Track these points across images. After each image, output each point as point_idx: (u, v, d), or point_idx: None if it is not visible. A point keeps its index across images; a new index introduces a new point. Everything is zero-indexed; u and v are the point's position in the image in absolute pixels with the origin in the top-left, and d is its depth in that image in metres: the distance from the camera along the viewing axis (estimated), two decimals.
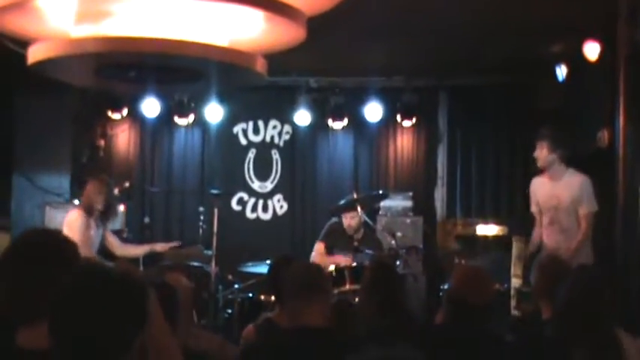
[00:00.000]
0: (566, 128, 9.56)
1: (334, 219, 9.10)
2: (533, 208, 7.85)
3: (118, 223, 9.93)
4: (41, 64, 6.02)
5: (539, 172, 7.79)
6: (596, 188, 7.64)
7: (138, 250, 8.57)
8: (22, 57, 6.16)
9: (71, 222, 7.82)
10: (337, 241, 8.81)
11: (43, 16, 5.78)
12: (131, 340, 2.56)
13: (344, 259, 8.27)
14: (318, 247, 8.93)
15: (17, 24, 6.02)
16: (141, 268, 8.64)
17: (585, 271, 4.76)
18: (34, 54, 5.99)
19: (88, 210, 7.91)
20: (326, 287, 4.49)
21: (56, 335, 2.52)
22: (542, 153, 7.58)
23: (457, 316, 4.67)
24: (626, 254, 7.50)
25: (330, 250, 8.82)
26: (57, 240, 3.28)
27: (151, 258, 8.78)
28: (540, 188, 7.76)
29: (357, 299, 7.53)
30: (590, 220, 7.44)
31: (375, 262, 6.39)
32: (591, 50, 8.16)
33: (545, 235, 7.63)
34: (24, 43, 6.28)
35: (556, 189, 7.58)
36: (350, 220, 8.74)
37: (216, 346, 4.83)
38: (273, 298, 6.47)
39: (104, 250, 8.19)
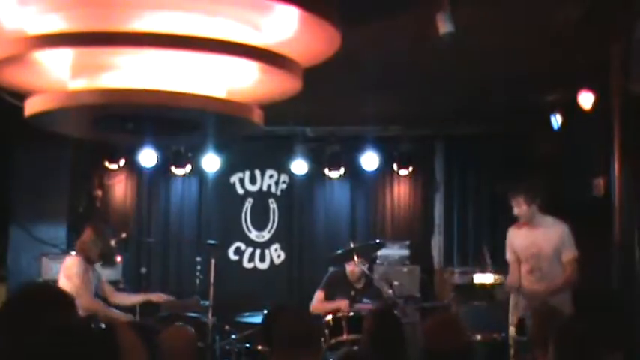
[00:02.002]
0: (561, 176, 9.62)
1: (333, 268, 9.10)
2: (509, 257, 7.91)
3: (114, 273, 9.92)
4: (39, 116, 6.04)
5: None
6: (592, 236, 7.65)
7: (132, 299, 8.53)
8: (20, 109, 6.18)
9: (69, 267, 7.78)
10: (337, 290, 8.79)
11: (40, 68, 5.82)
12: None
13: (343, 303, 8.24)
14: (318, 295, 8.92)
15: (15, 77, 6.05)
16: (137, 317, 8.62)
17: (573, 327, 4.76)
18: (32, 106, 6.02)
19: (85, 257, 7.88)
20: (315, 340, 4.47)
21: None
22: (522, 209, 7.66)
23: None
24: (624, 302, 7.49)
25: (330, 299, 8.80)
26: (54, 294, 3.28)
27: (148, 308, 8.75)
28: (518, 237, 7.84)
29: (355, 348, 7.53)
30: (574, 265, 7.56)
31: (379, 310, 6.38)
32: (585, 99, 8.22)
33: (526, 282, 7.67)
34: (21, 96, 6.31)
35: (536, 237, 7.67)
36: (354, 267, 8.74)
37: None
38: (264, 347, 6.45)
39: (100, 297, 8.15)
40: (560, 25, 6.82)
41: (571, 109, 8.61)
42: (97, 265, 8.00)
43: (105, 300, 8.12)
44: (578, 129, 8.96)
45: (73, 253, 7.94)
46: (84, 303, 7.41)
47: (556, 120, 9.11)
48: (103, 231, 8.10)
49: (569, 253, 7.53)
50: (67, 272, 7.72)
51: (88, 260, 7.82)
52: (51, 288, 3.59)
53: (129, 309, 8.65)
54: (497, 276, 9.88)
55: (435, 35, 6.15)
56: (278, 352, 4.45)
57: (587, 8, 6.63)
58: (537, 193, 7.67)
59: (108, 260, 8.11)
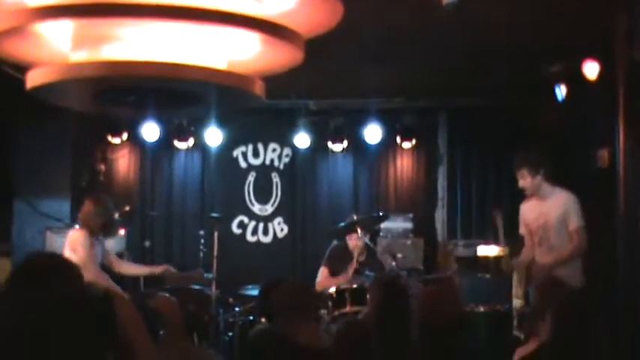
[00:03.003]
0: (566, 148, 9.59)
1: (336, 242, 9.10)
2: (522, 230, 7.88)
3: (118, 246, 9.94)
4: (40, 89, 6.01)
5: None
6: (597, 207, 7.63)
7: (138, 270, 8.54)
8: (22, 82, 6.16)
9: (74, 241, 7.77)
10: (340, 264, 8.80)
11: (41, 41, 5.79)
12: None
13: (347, 278, 8.25)
14: (323, 271, 8.93)
15: (16, 49, 6.02)
16: (142, 289, 8.66)
17: (573, 302, 4.75)
18: (33, 79, 5.99)
19: (88, 229, 7.87)
20: (313, 311, 4.47)
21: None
22: (527, 181, 7.61)
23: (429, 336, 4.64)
24: (627, 273, 7.48)
25: (334, 274, 8.81)
26: (60, 262, 3.28)
27: (152, 281, 8.77)
28: (528, 211, 7.80)
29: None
30: (582, 234, 7.47)
31: (387, 280, 6.38)
32: (590, 70, 8.18)
33: (536, 254, 7.65)
34: (23, 69, 6.28)
35: (543, 208, 7.62)
36: (356, 242, 8.73)
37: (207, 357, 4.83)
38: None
39: (105, 268, 8.14)
40: None
41: (576, 80, 8.57)
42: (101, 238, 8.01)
43: (110, 271, 8.13)
44: (582, 100, 8.92)
45: (77, 226, 7.93)
46: (90, 276, 7.41)
47: (560, 91, 9.06)
48: (104, 202, 8.08)
49: (575, 223, 7.47)
50: (72, 245, 7.71)
51: (92, 232, 7.81)
52: (56, 257, 3.59)
53: (133, 282, 8.68)
54: (501, 248, 9.88)
55: (439, 5, 6.11)
56: (277, 324, 4.46)
57: None
58: (541, 163, 7.62)
59: (110, 231, 8.09)
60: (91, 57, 5.86)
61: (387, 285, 5.76)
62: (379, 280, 6.38)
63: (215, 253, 8.51)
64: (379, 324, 5.28)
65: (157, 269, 8.56)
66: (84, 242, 7.69)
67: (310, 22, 6.10)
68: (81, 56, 5.89)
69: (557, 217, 7.51)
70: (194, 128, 10.97)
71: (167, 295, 5.37)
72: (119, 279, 8.12)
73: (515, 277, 7.91)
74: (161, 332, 4.11)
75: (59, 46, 5.87)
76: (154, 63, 5.75)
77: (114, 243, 9.82)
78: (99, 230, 7.91)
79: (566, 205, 7.51)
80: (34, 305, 2.56)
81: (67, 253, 7.69)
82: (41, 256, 3.45)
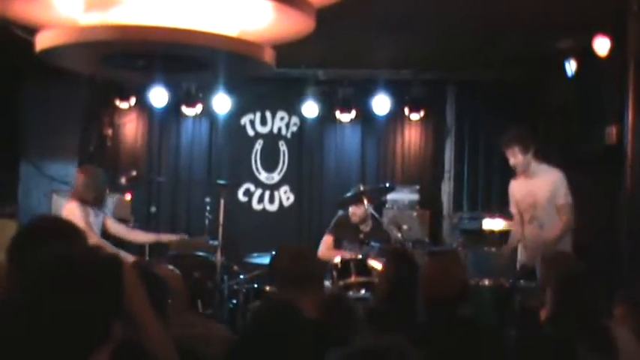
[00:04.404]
0: (574, 124, 9.56)
1: (341, 212, 9.10)
2: (513, 209, 7.90)
3: (124, 212, 9.97)
4: (49, 52, 6.00)
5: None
6: (604, 184, 7.62)
7: (145, 238, 8.58)
8: (31, 45, 6.15)
9: (70, 212, 7.80)
10: (345, 234, 8.81)
11: (51, 3, 5.77)
12: (106, 329, 2.53)
13: (350, 255, 8.23)
14: (327, 240, 8.93)
15: (26, 11, 6.00)
16: (147, 257, 8.67)
17: (572, 269, 4.76)
18: (42, 41, 5.97)
19: (81, 200, 7.90)
20: (317, 280, 4.47)
21: (30, 323, 2.50)
22: (518, 159, 7.62)
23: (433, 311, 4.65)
24: (633, 249, 7.49)
25: (338, 243, 8.81)
26: (65, 226, 3.29)
27: (157, 248, 8.80)
28: (517, 189, 7.83)
29: (363, 291, 7.57)
30: (569, 210, 7.50)
31: (396, 251, 6.39)
32: (601, 46, 8.13)
33: (527, 232, 7.68)
34: (32, 31, 6.27)
35: (531, 186, 7.65)
36: (355, 210, 8.74)
37: (221, 334, 4.84)
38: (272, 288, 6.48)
39: (109, 237, 8.17)
40: None
41: (586, 56, 8.53)
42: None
43: (116, 238, 8.16)
44: (592, 76, 8.88)
45: (70, 198, 7.96)
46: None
47: (570, 67, 9.02)
48: (95, 174, 8.10)
49: (562, 200, 7.50)
50: (69, 216, 7.76)
51: (84, 203, 7.85)
52: (61, 220, 3.60)
53: (138, 248, 8.70)
54: (506, 222, 9.90)
55: None
56: (280, 292, 4.47)
57: None
58: (531, 141, 7.62)
59: (100, 203, 8.13)
60: (101, 20, 5.84)
61: (400, 258, 5.78)
62: (392, 254, 6.38)
63: (221, 220, 8.51)
64: (391, 297, 5.30)
65: (172, 237, 8.59)
66: (79, 213, 7.73)
67: None
68: (91, 19, 5.88)
69: (546, 195, 7.54)
70: (202, 95, 10.95)
71: (170, 266, 5.39)
72: (122, 245, 8.14)
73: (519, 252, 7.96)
74: (169, 301, 4.12)
75: (69, 9, 5.85)
76: (164, 28, 5.74)
77: (120, 207, 9.87)
78: (91, 201, 7.93)
79: (555, 183, 7.54)
80: (43, 265, 2.56)
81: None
82: (45, 219, 3.45)
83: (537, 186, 7.60)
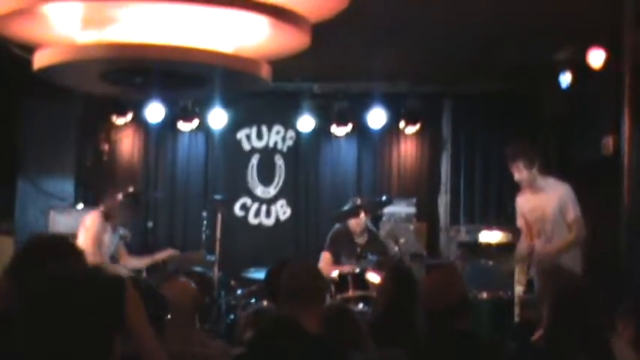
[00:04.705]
0: (570, 135, 9.58)
1: (337, 225, 9.09)
2: (520, 222, 7.88)
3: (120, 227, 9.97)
4: (47, 70, 6.03)
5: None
6: (601, 195, 7.63)
7: (141, 262, 8.62)
8: (28, 62, 6.16)
9: (88, 225, 7.92)
10: (342, 248, 8.80)
11: (49, 22, 5.79)
12: (109, 345, 2.53)
13: (348, 269, 8.22)
14: (325, 257, 8.88)
15: (24, 30, 6.02)
16: (144, 274, 8.68)
17: (571, 282, 4.76)
18: (40, 59, 6.00)
19: (106, 215, 8.00)
20: (318, 294, 4.46)
21: (27, 345, 2.50)
22: (522, 174, 7.57)
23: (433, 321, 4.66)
24: (631, 261, 7.49)
25: (336, 258, 8.79)
26: (64, 245, 3.30)
27: (154, 266, 8.80)
28: (524, 203, 7.79)
29: (360, 305, 7.56)
30: (580, 224, 7.49)
31: (397, 266, 6.39)
32: (596, 57, 8.17)
33: (537, 246, 7.67)
34: (30, 49, 6.29)
35: (539, 201, 7.62)
36: (356, 224, 8.74)
37: (220, 352, 4.85)
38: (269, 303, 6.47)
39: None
40: None
41: (581, 67, 8.56)
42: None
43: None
44: (587, 87, 8.91)
45: (98, 209, 8.08)
46: (92, 258, 7.51)
47: (565, 78, 9.04)
48: (139, 199, 8.27)
49: (572, 214, 7.48)
50: (85, 228, 7.85)
51: (111, 220, 7.96)
52: (59, 239, 3.60)
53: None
54: (503, 234, 9.89)
55: None
56: (281, 307, 4.46)
57: None
58: (536, 155, 7.61)
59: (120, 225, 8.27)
60: (98, 38, 5.86)
61: (398, 273, 5.78)
62: (391, 269, 6.39)
63: (218, 235, 8.52)
64: (390, 311, 5.31)
65: (161, 256, 8.62)
66: (96, 228, 7.84)
67: (317, 6, 6.10)
68: (88, 37, 5.89)
69: (554, 209, 7.51)
70: (198, 110, 10.96)
71: (185, 279, 5.41)
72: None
73: (517, 265, 7.95)
74: (168, 317, 4.13)
75: (66, 28, 5.87)
76: (161, 45, 5.76)
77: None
78: (114, 222, 8.04)
79: (563, 196, 7.52)
80: (45, 284, 2.57)
81: (80, 232, 7.83)
82: (43, 239, 3.45)
83: (545, 200, 7.57)
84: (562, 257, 7.29)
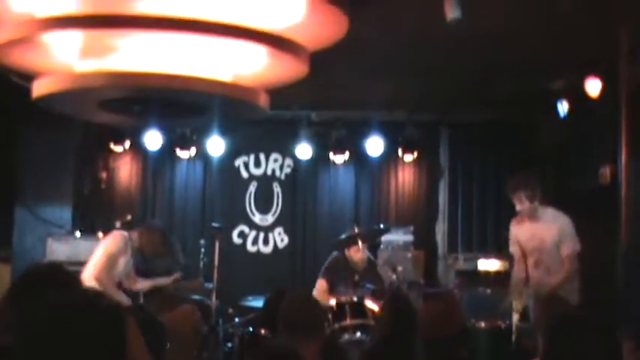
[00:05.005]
0: (567, 164, 9.59)
1: (335, 253, 9.07)
2: (513, 249, 7.88)
3: None
4: (46, 98, 6.06)
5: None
6: (598, 224, 7.63)
7: (142, 285, 8.59)
8: (27, 91, 6.19)
9: (108, 243, 7.94)
10: (339, 276, 8.76)
11: (48, 51, 5.82)
12: None
13: (345, 297, 8.20)
14: (320, 284, 8.84)
15: (23, 58, 6.05)
16: (141, 300, 8.65)
17: (567, 312, 4.76)
18: (39, 88, 6.03)
19: (138, 245, 8.06)
20: (318, 324, 4.46)
21: None
22: (524, 205, 7.58)
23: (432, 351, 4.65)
24: (628, 291, 7.49)
25: (332, 286, 8.76)
26: (62, 274, 3.30)
27: (152, 290, 8.77)
28: (521, 232, 7.79)
29: (358, 333, 7.54)
30: (573, 260, 7.50)
31: (395, 296, 6.38)
32: (593, 87, 8.20)
33: (533, 275, 7.67)
34: (29, 77, 6.31)
35: (537, 230, 7.63)
36: (356, 254, 8.72)
37: None
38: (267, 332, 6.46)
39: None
40: (567, 10, 6.78)
41: (578, 97, 8.59)
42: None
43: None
44: (584, 117, 8.93)
45: (132, 232, 8.10)
46: (98, 274, 7.56)
47: (563, 107, 9.08)
48: (170, 242, 8.32)
49: (568, 248, 7.49)
50: (105, 243, 7.95)
51: (134, 247, 8.00)
52: (56, 268, 3.60)
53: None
54: (501, 262, 9.90)
55: (443, 20, 6.12)
56: (281, 337, 4.46)
57: None
58: (536, 187, 7.62)
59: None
60: (97, 67, 5.89)
61: (397, 302, 5.77)
62: (389, 299, 6.37)
63: (216, 262, 8.51)
64: (388, 341, 5.29)
65: (165, 280, 8.61)
66: (116, 249, 7.87)
67: (315, 35, 6.14)
68: (87, 66, 5.92)
69: (554, 241, 7.53)
70: (196, 137, 10.98)
71: (189, 306, 5.41)
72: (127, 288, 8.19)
73: (512, 293, 7.95)
74: (167, 345, 4.13)
75: (65, 56, 5.90)
76: (159, 74, 5.78)
77: None
78: (141, 251, 8.08)
79: (564, 229, 7.52)
80: (45, 313, 2.57)
81: (99, 248, 7.86)
82: (42, 268, 3.46)
83: (544, 230, 7.58)
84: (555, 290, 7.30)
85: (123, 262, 8.04)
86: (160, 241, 8.25)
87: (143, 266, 9.73)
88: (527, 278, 7.68)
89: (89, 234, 10.02)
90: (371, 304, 7.75)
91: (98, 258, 7.79)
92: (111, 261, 7.83)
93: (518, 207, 7.64)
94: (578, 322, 4.40)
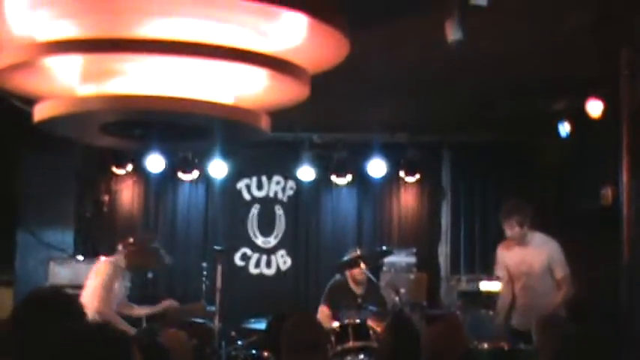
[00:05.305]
0: (569, 185, 9.59)
1: (337, 276, 9.06)
2: (500, 273, 7.91)
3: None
4: (47, 122, 6.06)
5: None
6: (600, 245, 7.62)
7: (143, 311, 8.56)
8: (29, 114, 6.20)
9: (100, 270, 7.86)
10: (341, 299, 8.73)
11: (50, 74, 5.83)
12: None
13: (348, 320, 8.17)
14: (322, 311, 8.79)
15: (24, 82, 6.07)
16: (144, 324, 8.63)
17: (570, 333, 4.75)
18: (41, 112, 6.03)
19: (126, 264, 7.98)
20: (321, 346, 4.45)
21: None
22: (515, 231, 7.69)
23: None
24: (631, 311, 7.47)
25: (335, 311, 8.71)
26: (66, 301, 3.30)
27: (155, 315, 8.75)
28: (509, 256, 7.86)
29: (361, 356, 7.51)
30: (569, 281, 7.58)
31: (397, 319, 6.36)
32: (594, 108, 8.22)
33: (520, 299, 7.68)
34: (30, 101, 6.33)
35: (527, 255, 7.70)
36: (356, 273, 8.70)
37: None
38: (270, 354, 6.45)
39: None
40: (568, 32, 6.81)
41: (579, 118, 8.60)
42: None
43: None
44: (586, 137, 8.95)
45: (116, 256, 8.02)
46: (99, 305, 7.49)
47: (564, 128, 9.09)
48: (161, 258, 8.25)
49: (561, 272, 7.58)
50: (96, 271, 7.81)
51: (121, 266, 7.92)
52: (59, 294, 3.60)
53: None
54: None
55: (444, 42, 6.14)
56: (283, 359, 4.45)
57: (595, 15, 6.62)
58: (527, 213, 7.68)
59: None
60: (99, 91, 5.90)
61: (400, 327, 5.76)
62: (392, 323, 6.36)
63: (218, 285, 8.48)
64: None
65: (161, 306, 8.57)
66: (108, 275, 7.78)
67: (316, 58, 6.15)
68: (88, 90, 5.93)
69: (543, 265, 7.63)
70: (198, 160, 11.00)
71: (175, 330, 5.38)
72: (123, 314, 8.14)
73: (498, 315, 8.00)
74: None
75: (67, 80, 5.92)
76: (160, 97, 5.79)
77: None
78: (127, 267, 8.01)
79: (553, 253, 7.63)
80: (52, 342, 2.57)
81: (90, 277, 7.79)
82: (45, 294, 3.45)
83: (533, 255, 7.65)
84: (544, 309, 7.31)
85: (117, 287, 7.99)
86: (144, 252, 8.16)
87: (143, 292, 9.76)
88: (514, 301, 7.73)
89: (91, 257, 9.98)
90: (374, 322, 7.76)
91: (94, 290, 7.69)
92: (108, 290, 7.76)
93: (508, 232, 7.73)
94: (582, 343, 4.39)
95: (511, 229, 7.68)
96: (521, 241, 7.71)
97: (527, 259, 7.67)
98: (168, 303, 8.65)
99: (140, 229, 10.37)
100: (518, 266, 7.73)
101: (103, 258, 8.20)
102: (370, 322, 7.85)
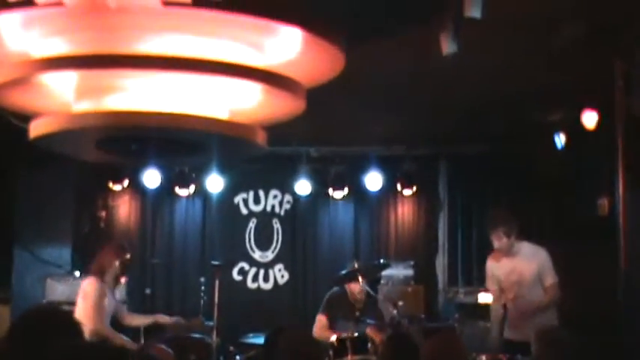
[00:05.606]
0: (566, 196, 9.60)
1: (335, 288, 9.05)
2: (491, 286, 7.92)
3: (119, 294, 9.90)
4: (43, 139, 6.05)
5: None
6: (597, 256, 7.63)
7: (143, 320, 8.52)
8: (24, 131, 6.20)
9: (87, 292, 7.77)
10: (339, 311, 8.72)
11: (45, 91, 5.83)
12: None
13: (346, 333, 8.16)
14: (320, 320, 8.79)
15: (19, 99, 6.07)
16: (142, 339, 8.61)
17: (568, 344, 4.75)
18: (36, 128, 6.03)
19: (101, 275, 7.86)
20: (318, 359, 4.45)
21: None
22: (503, 242, 7.69)
23: None
24: (629, 321, 7.47)
25: (332, 321, 8.71)
26: (64, 319, 3.30)
27: (153, 330, 8.73)
28: (498, 268, 7.86)
29: None
30: (557, 288, 7.60)
31: (396, 332, 6.36)
32: (589, 119, 8.24)
33: (512, 309, 7.68)
34: (26, 118, 6.33)
35: (516, 265, 7.71)
36: (357, 288, 8.69)
37: None
38: None
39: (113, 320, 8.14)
40: (563, 44, 6.83)
41: (575, 129, 8.62)
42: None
43: (117, 323, 8.11)
44: (582, 149, 8.97)
45: (91, 275, 7.91)
46: (94, 326, 7.43)
47: (560, 139, 9.12)
48: (124, 247, 8.15)
49: (550, 279, 7.61)
50: (84, 296, 7.71)
51: (104, 278, 7.82)
52: (57, 312, 3.60)
53: (133, 331, 8.64)
54: None
55: (439, 55, 6.15)
56: None
57: (589, 27, 6.64)
58: (513, 223, 7.69)
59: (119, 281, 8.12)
60: (94, 107, 5.90)
61: (399, 342, 5.76)
62: (391, 338, 6.35)
63: (216, 300, 8.48)
64: None
65: (160, 318, 8.53)
66: (95, 294, 7.68)
67: (312, 71, 6.15)
68: (84, 106, 5.93)
69: (533, 274, 7.64)
70: (195, 175, 11.01)
71: (164, 346, 5.37)
72: (120, 328, 8.09)
73: (492, 326, 8.00)
74: None
75: (62, 96, 5.92)
76: (156, 113, 5.79)
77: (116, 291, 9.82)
78: (112, 278, 7.91)
79: (543, 262, 7.64)
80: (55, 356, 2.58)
81: (79, 301, 7.71)
82: (43, 312, 3.45)
83: (523, 264, 7.66)
84: (539, 317, 7.34)
85: (107, 304, 7.93)
86: (123, 258, 8.08)
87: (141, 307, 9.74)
88: (506, 312, 7.73)
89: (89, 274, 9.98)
90: (373, 332, 7.77)
91: (85, 311, 7.61)
92: (99, 308, 7.70)
93: (496, 244, 7.72)
94: (580, 353, 4.39)
95: (498, 240, 7.69)
96: (509, 252, 7.72)
97: (517, 268, 7.68)
98: (171, 319, 8.62)
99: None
100: (508, 276, 7.74)
101: (89, 277, 8.11)
102: (369, 332, 7.86)
